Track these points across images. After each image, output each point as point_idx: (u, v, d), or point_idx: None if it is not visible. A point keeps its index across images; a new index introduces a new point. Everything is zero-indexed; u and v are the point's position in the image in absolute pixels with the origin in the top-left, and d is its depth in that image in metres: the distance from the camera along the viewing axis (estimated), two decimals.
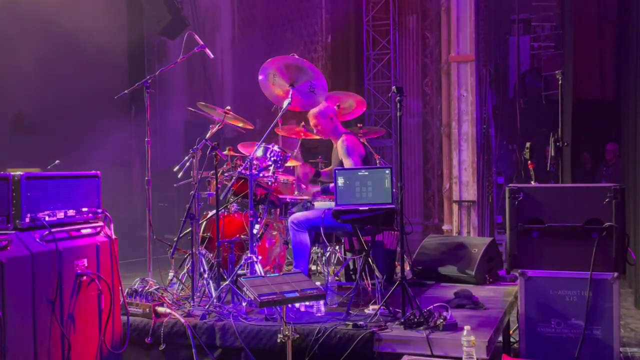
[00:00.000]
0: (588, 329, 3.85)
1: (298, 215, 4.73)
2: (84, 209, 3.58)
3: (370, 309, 4.02)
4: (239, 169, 4.79)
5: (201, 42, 4.96)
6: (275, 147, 4.68)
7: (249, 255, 4.35)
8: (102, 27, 8.64)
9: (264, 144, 4.64)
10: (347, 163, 4.75)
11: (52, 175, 3.49)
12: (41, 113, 8.31)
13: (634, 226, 6.23)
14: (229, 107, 4.98)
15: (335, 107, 5.17)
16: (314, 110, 4.99)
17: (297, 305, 4.12)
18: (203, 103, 5.00)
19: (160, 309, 4.09)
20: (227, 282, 4.28)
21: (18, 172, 3.20)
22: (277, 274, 3.79)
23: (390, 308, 3.94)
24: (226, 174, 5.02)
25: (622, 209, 3.85)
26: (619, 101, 9.24)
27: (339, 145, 4.86)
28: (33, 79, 7.95)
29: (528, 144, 5.21)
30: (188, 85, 11.62)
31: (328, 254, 5.33)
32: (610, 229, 3.84)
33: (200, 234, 4.91)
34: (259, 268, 4.29)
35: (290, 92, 4.79)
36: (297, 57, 4.84)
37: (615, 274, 3.84)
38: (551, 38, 11.18)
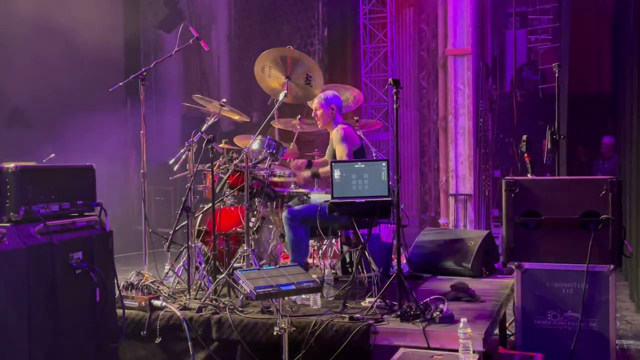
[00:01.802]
0: (584, 321, 3.86)
1: (292, 209, 4.71)
2: (79, 202, 3.56)
3: (367, 302, 4.01)
4: (234, 162, 4.77)
5: (196, 34, 4.93)
6: (271, 140, 4.66)
7: (245, 248, 4.34)
8: (98, 21, 8.61)
9: (259, 136, 4.63)
10: (339, 149, 4.71)
11: (46, 168, 3.47)
12: (37, 107, 8.28)
13: (630, 219, 6.23)
14: (224, 100, 4.96)
15: (341, 99, 5.10)
16: (321, 94, 4.95)
17: (293, 298, 4.11)
18: (199, 95, 4.98)
19: (156, 302, 4.09)
20: (223, 275, 4.27)
21: (12, 165, 3.18)
22: (273, 267, 3.78)
23: (387, 301, 3.94)
24: (222, 167, 5.00)
25: (618, 202, 3.85)
26: (615, 95, 9.25)
27: (334, 134, 4.83)
28: (29, 72, 7.92)
29: (524, 137, 5.20)
30: (184, 79, 11.59)
31: (324, 247, 5.32)
32: (607, 222, 3.84)
33: (196, 227, 4.90)
34: (254, 261, 4.28)
35: (287, 85, 4.77)
36: (293, 49, 4.82)
37: (612, 267, 3.85)
38: (548, 31, 11.15)
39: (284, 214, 4.66)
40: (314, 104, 4.97)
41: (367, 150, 5.46)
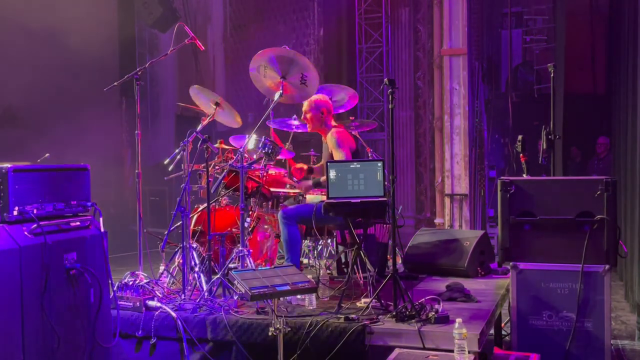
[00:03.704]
0: (579, 321, 3.86)
1: (288, 208, 4.71)
2: (73, 202, 3.54)
3: (362, 302, 4.01)
4: (230, 162, 4.76)
5: (192, 34, 4.92)
6: (267, 140, 4.66)
7: (240, 248, 4.33)
8: (92, 20, 8.58)
9: (255, 136, 4.62)
10: (338, 155, 4.73)
11: (40, 168, 3.44)
12: (31, 106, 8.24)
13: (625, 219, 6.24)
14: (219, 100, 4.94)
15: (330, 102, 5.11)
16: (311, 98, 4.96)
17: (288, 298, 4.11)
18: (197, 86, 4.95)
19: (151, 303, 4.07)
20: (218, 276, 4.27)
21: (6, 165, 3.16)
22: (268, 267, 3.77)
23: (382, 301, 3.94)
24: (217, 167, 4.99)
25: (613, 202, 3.86)
26: (610, 95, 9.26)
27: (329, 139, 4.84)
28: (23, 72, 7.88)
29: (520, 137, 5.20)
30: (179, 79, 11.55)
31: (320, 247, 5.32)
32: (602, 222, 3.84)
33: (191, 227, 4.88)
34: (250, 261, 4.27)
35: (282, 84, 4.76)
36: (288, 48, 4.82)
37: (607, 267, 3.85)
38: (543, 31, 11.18)
39: (279, 213, 4.66)
40: (304, 107, 5.00)
41: (362, 151, 5.46)
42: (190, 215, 4.87)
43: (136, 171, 4.70)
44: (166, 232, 4.68)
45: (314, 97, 4.96)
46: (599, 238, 3.85)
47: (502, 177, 4.12)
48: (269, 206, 5.07)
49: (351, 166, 4.13)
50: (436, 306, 3.71)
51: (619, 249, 3.93)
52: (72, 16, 8.06)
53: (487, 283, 4.87)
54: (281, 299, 3.88)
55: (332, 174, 4.11)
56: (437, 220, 9.03)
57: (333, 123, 5.02)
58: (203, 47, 5.01)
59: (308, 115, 4.98)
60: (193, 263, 4.53)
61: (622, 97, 6.93)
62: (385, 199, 4.04)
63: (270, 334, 3.41)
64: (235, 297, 4.10)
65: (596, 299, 3.85)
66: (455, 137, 8.74)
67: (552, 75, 5.16)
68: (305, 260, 5.48)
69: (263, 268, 3.77)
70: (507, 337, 4.65)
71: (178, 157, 4.67)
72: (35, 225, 3.19)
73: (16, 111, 8.31)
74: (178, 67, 11.49)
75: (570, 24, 9.85)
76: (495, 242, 5.60)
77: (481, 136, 9.53)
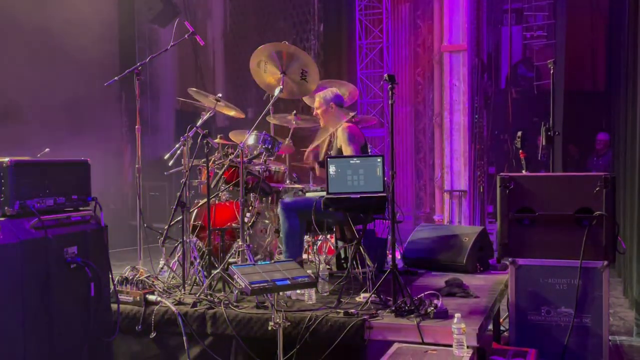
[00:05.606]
0: (578, 317, 3.88)
1: (288, 200, 4.71)
2: (74, 197, 3.55)
3: (362, 297, 4.02)
4: (230, 157, 4.77)
5: (192, 29, 4.92)
6: (267, 135, 4.66)
7: (239, 243, 4.34)
8: (92, 15, 8.58)
9: (255, 131, 4.62)
10: (347, 151, 4.71)
11: (41, 162, 3.46)
12: (31, 101, 8.24)
13: (624, 215, 6.26)
14: (219, 95, 4.95)
15: (339, 95, 5.09)
16: (320, 93, 4.95)
17: (288, 293, 4.12)
18: (194, 89, 4.97)
19: (151, 297, 4.09)
20: (218, 270, 4.27)
21: (6, 159, 3.17)
22: (268, 262, 3.78)
23: (382, 296, 3.95)
24: (217, 162, 5.00)
25: (612, 198, 3.87)
26: (609, 92, 9.26)
27: (340, 133, 4.79)
28: (23, 67, 7.89)
29: (519, 134, 5.21)
30: (179, 74, 11.56)
31: (319, 242, 5.33)
32: (601, 218, 3.85)
33: (191, 222, 4.89)
34: (249, 256, 4.28)
35: (282, 80, 4.76)
36: (288, 44, 4.82)
37: (605, 263, 3.87)
38: (543, 28, 11.17)
39: (279, 205, 4.65)
40: (315, 104, 4.98)
41: (366, 147, 5.46)
42: (190, 210, 4.88)
43: (136, 166, 4.71)
44: (166, 227, 4.69)
45: (323, 92, 4.95)
46: (598, 234, 3.87)
47: (501, 173, 4.13)
48: (269, 201, 5.08)
49: (351, 162, 4.13)
50: (435, 301, 3.72)
51: (617, 245, 3.94)
52: (72, 11, 8.06)
53: (486, 278, 4.88)
54: (281, 293, 3.89)
55: (332, 169, 4.11)
56: (437, 216, 9.05)
57: (344, 118, 4.98)
58: (203, 42, 5.02)
59: (319, 111, 4.95)
60: (193, 258, 4.54)
61: (622, 94, 6.94)
62: (384, 194, 4.05)
63: (269, 328, 3.43)
64: (235, 292, 4.12)
65: (594, 294, 3.87)
66: (455, 133, 8.75)
67: (551, 71, 5.17)
68: (304, 256, 5.49)
69: (263, 263, 3.78)
70: (505, 333, 4.66)
71: (178, 152, 4.67)
72: (36, 220, 3.20)
73: (16, 106, 8.31)
74: (178, 62, 11.49)
75: (570, 20, 9.85)
76: (494, 238, 5.61)
77: (481, 132, 9.54)
